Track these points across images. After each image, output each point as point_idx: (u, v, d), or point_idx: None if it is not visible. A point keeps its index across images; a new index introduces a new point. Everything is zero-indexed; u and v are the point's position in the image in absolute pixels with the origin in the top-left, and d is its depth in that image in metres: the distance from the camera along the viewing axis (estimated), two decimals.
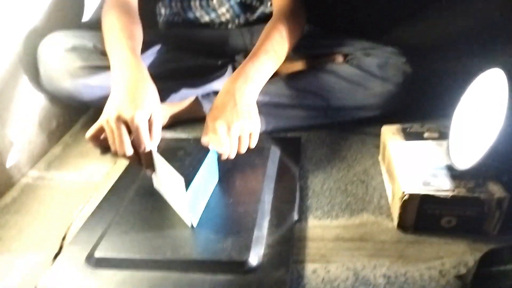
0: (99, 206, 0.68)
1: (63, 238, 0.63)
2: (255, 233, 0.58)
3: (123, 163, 0.79)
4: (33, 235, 0.64)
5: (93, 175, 0.79)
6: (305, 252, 0.58)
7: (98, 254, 0.57)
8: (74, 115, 0.97)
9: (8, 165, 0.75)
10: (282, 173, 0.73)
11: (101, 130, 0.62)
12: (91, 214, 0.66)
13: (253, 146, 0.72)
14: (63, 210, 0.69)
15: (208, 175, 0.66)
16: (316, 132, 0.87)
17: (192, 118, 0.95)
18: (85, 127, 0.96)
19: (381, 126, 0.86)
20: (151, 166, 0.64)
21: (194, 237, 0.59)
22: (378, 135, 0.79)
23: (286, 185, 0.70)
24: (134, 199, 0.67)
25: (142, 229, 0.61)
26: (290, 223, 0.62)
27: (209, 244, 0.57)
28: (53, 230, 0.65)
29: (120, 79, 0.65)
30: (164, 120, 0.92)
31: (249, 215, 0.62)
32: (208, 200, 0.66)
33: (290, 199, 0.67)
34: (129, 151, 0.60)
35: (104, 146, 0.64)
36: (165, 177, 0.64)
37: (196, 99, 0.93)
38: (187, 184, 0.57)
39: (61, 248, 0.62)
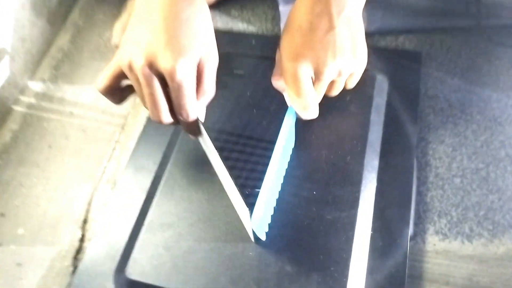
0: (129, 169, 0.48)
1: (84, 222, 0.47)
2: (352, 267, 0.40)
3: None
4: (43, 212, 0.48)
5: None
6: None
7: (130, 273, 0.41)
8: None
9: None
10: (392, 133, 0.48)
11: (120, 76, 0.38)
12: (118, 186, 0.47)
13: (349, 88, 0.47)
14: (81, 162, 0.51)
15: (282, 152, 0.43)
16: (444, 41, 0.56)
17: None
18: None
19: None
20: (195, 134, 0.42)
21: (263, 265, 0.41)
22: None
23: (397, 164, 0.46)
24: (174, 170, 0.47)
25: (190, 235, 0.43)
26: (403, 247, 0.42)
27: (284, 284, 0.40)
28: (70, 201, 0.48)
29: None
30: None
31: (342, 227, 0.42)
32: (281, 187, 0.45)
33: (403, 195, 0.44)
34: (167, 119, 0.38)
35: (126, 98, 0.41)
36: (218, 168, 0.42)
37: None
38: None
39: (82, 239, 0.46)
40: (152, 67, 0.35)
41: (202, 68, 0.38)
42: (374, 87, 0.50)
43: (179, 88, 0.36)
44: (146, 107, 0.38)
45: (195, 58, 0.36)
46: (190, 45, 0.36)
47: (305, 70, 0.40)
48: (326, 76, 0.41)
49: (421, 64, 0.54)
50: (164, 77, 0.36)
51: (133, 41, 0.36)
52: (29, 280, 0.43)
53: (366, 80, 0.48)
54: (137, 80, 0.36)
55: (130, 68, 0.36)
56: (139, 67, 0.35)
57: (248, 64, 0.54)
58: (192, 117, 0.38)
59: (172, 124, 0.40)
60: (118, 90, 0.40)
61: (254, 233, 0.40)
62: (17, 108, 0.55)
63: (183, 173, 0.47)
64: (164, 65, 0.35)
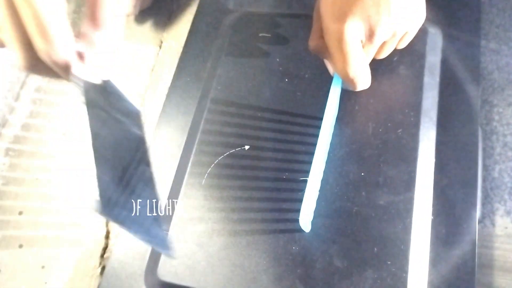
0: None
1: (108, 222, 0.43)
2: (412, 260, 0.35)
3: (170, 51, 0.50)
4: (63, 208, 0.44)
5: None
6: None
7: (162, 274, 0.37)
8: None
9: None
10: (450, 97, 0.41)
11: None
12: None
13: (400, 48, 0.40)
14: None
15: (328, 135, 0.38)
16: None
17: None
18: None
19: None
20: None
21: (308, 260, 0.36)
22: None
23: (458, 134, 0.40)
24: (200, 155, 0.42)
25: (224, 229, 0.38)
26: (471, 233, 0.36)
27: (335, 282, 0.35)
28: (91, 194, 0.44)
29: None
30: None
31: (398, 213, 0.36)
32: (325, 168, 0.39)
33: (467, 171, 0.38)
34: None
35: None
36: None
37: None
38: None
39: (107, 235, 0.42)
40: None
41: None
42: (426, 43, 0.43)
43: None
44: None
45: None
46: None
47: (354, 31, 0.34)
48: (378, 37, 0.35)
49: (480, 12, 0.45)
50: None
51: None
52: (55, 284, 0.40)
53: (416, 35, 0.41)
54: None
55: None
56: None
57: (276, 25, 0.47)
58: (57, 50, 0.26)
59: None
60: None
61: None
62: (24, 92, 0.50)
63: (210, 158, 0.42)
64: None
